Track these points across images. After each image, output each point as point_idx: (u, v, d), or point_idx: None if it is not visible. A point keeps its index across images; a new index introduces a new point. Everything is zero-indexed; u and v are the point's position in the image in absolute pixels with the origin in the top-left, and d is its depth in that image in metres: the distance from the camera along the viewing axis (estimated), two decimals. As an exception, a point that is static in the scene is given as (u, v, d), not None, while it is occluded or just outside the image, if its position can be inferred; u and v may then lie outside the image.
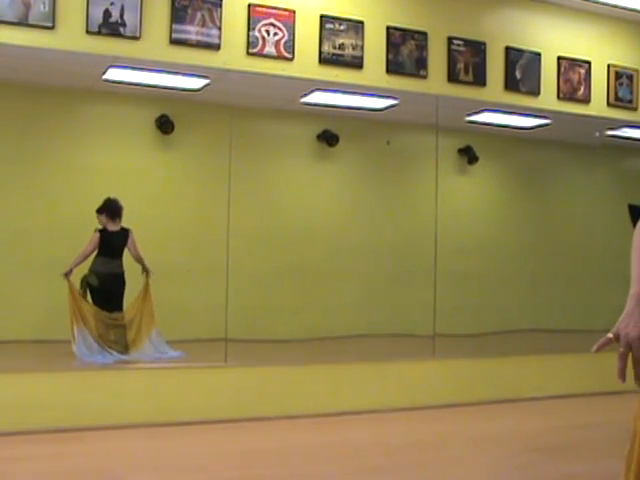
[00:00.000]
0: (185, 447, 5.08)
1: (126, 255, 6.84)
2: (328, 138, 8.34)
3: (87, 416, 5.40)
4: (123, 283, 6.80)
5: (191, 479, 4.44)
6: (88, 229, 6.76)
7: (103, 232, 6.75)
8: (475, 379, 6.79)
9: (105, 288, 6.65)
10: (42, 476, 4.36)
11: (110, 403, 5.52)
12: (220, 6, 5.93)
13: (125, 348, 6.60)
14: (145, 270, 6.80)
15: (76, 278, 6.58)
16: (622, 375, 1.51)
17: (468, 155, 8.89)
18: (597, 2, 7.25)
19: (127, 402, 5.58)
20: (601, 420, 6.21)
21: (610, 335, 1.56)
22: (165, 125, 7.62)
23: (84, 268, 6.67)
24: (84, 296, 6.63)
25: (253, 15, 6.04)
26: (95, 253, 6.73)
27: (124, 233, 6.82)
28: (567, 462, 4.88)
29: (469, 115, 7.77)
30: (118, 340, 6.63)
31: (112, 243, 6.76)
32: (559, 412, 6.57)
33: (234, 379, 5.98)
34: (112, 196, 6.83)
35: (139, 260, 6.82)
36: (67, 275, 6.51)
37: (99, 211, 6.80)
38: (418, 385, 6.53)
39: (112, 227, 6.78)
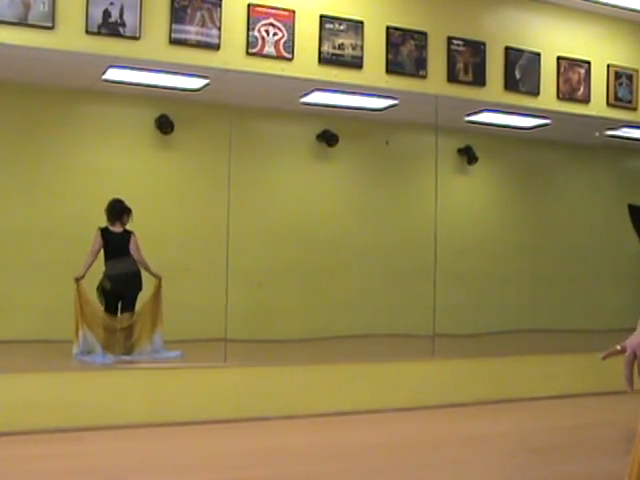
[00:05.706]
0: (184, 447, 5.09)
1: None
2: (328, 138, 8.33)
3: (86, 416, 5.40)
4: (137, 282, 6.70)
5: (190, 479, 4.45)
6: (87, 229, 6.74)
7: (104, 231, 6.67)
8: (474, 379, 6.79)
9: (117, 288, 6.59)
10: (41, 476, 4.36)
11: (109, 403, 5.52)
12: (220, 6, 5.93)
13: (129, 350, 6.57)
14: (152, 275, 6.71)
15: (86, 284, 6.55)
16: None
17: (468, 155, 8.89)
18: (597, 2, 7.25)
19: (127, 402, 5.58)
20: (599, 420, 6.21)
21: (618, 347, 1.74)
22: (165, 125, 7.62)
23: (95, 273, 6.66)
24: (101, 302, 6.57)
25: (253, 15, 6.04)
26: (104, 258, 6.67)
27: (126, 235, 6.69)
28: (566, 462, 4.88)
29: (469, 115, 7.77)
30: (123, 343, 6.59)
31: (113, 244, 6.67)
32: (558, 412, 6.57)
33: (233, 379, 5.98)
34: (117, 197, 6.76)
35: (142, 264, 6.69)
36: (78, 279, 6.40)
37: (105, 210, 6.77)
38: (417, 385, 6.53)
39: (114, 228, 6.72)
